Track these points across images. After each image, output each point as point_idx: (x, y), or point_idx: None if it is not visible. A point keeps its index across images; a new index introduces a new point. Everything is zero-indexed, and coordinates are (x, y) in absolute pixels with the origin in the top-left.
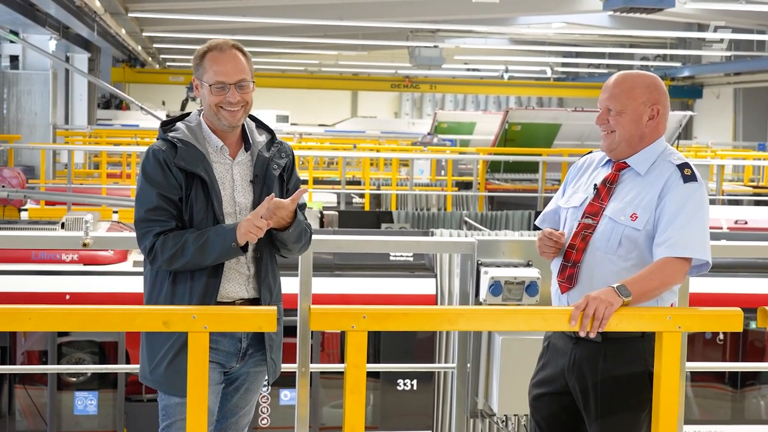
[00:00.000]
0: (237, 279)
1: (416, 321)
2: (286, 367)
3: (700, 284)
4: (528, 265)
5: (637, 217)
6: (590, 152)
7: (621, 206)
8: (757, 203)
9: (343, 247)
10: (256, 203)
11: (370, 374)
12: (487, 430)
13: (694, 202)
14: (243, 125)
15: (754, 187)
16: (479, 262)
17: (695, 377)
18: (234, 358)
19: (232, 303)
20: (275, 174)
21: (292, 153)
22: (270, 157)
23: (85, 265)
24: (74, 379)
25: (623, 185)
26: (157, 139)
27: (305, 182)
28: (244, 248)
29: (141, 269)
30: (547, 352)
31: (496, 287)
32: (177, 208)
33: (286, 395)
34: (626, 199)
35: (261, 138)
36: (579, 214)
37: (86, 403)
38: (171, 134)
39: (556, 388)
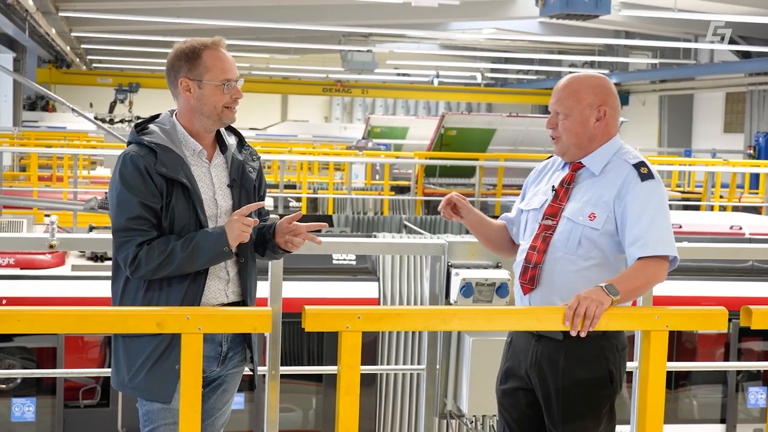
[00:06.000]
0: (216, 284)
1: (410, 321)
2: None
3: None
4: (497, 266)
5: (595, 217)
6: (550, 156)
7: (579, 206)
8: (686, 207)
9: (330, 249)
10: (235, 207)
11: (312, 378)
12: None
13: (657, 200)
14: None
15: (682, 192)
16: (449, 263)
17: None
18: (215, 362)
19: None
20: (252, 177)
21: (259, 156)
22: (244, 160)
23: (21, 269)
24: (4, 386)
25: (580, 186)
26: (130, 143)
27: None
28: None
29: (79, 273)
30: (509, 351)
31: (467, 289)
32: (157, 216)
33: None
34: (583, 199)
35: (232, 140)
36: (539, 216)
37: (24, 410)
38: (147, 138)
39: (520, 384)
